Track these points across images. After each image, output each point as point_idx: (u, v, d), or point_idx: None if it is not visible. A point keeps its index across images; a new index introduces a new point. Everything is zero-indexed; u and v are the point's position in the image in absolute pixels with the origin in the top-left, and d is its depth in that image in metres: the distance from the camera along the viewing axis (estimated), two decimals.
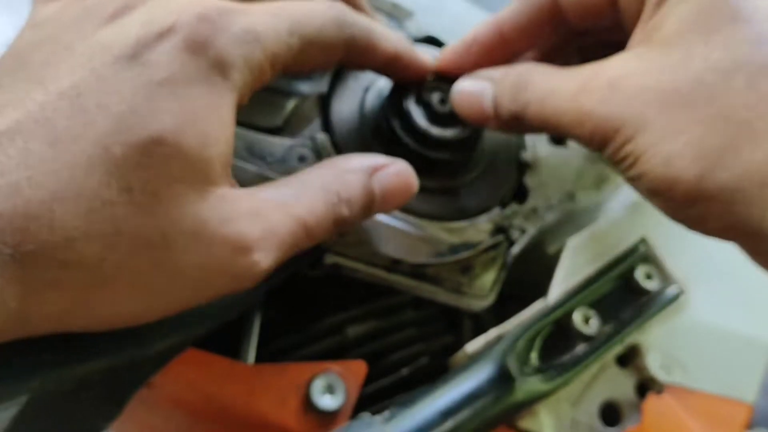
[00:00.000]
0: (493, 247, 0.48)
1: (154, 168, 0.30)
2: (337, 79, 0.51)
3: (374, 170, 0.40)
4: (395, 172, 0.41)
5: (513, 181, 0.53)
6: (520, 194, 0.53)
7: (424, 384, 0.46)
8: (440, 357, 0.50)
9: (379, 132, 0.50)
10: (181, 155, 0.31)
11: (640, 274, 0.49)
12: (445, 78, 0.50)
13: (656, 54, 0.35)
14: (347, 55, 0.42)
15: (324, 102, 0.50)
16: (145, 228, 0.30)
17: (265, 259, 0.34)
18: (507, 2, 0.50)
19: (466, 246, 0.48)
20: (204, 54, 0.32)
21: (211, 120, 0.32)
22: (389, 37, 0.44)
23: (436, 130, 0.48)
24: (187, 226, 0.31)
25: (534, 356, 0.45)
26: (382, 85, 0.51)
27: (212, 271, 0.33)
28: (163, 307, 0.33)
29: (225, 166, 0.34)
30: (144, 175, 0.30)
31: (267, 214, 0.35)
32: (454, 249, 0.47)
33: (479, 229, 0.49)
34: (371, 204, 0.40)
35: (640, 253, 0.50)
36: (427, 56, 0.47)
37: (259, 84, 0.37)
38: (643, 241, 0.51)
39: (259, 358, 0.45)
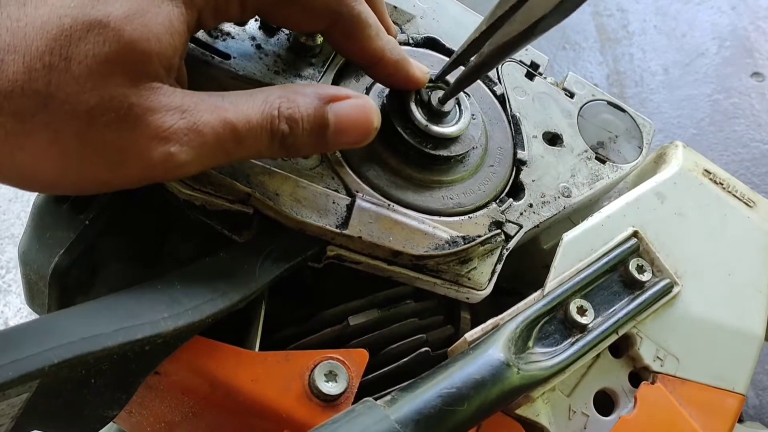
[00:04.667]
0: (490, 240, 0.50)
1: (93, 45, 0.33)
2: (340, 79, 0.53)
3: (332, 99, 0.41)
4: (355, 104, 0.41)
5: (509, 179, 0.55)
6: (516, 191, 0.54)
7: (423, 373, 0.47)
8: (439, 347, 0.51)
9: (381, 130, 0.51)
10: (120, 41, 0.34)
11: (633, 266, 0.51)
12: (444, 79, 0.52)
13: None
14: (330, 30, 0.43)
15: None
16: (74, 97, 0.33)
17: (183, 154, 0.36)
18: None
19: (464, 239, 0.49)
20: None
21: (158, 21, 0.35)
22: (381, 38, 0.45)
23: (435, 128, 0.50)
24: (113, 105, 0.34)
25: (531, 345, 0.46)
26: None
27: (128, 154, 0.35)
28: (76, 176, 0.35)
29: (167, 67, 0.36)
30: (83, 50, 0.33)
31: (196, 113, 0.36)
32: (453, 242, 0.49)
33: (477, 223, 0.51)
34: (323, 130, 0.40)
35: (633, 247, 0.52)
36: (419, 71, 0.48)
37: (224, 15, 0.39)
38: (635, 234, 0.52)
39: (264, 347, 0.46)
